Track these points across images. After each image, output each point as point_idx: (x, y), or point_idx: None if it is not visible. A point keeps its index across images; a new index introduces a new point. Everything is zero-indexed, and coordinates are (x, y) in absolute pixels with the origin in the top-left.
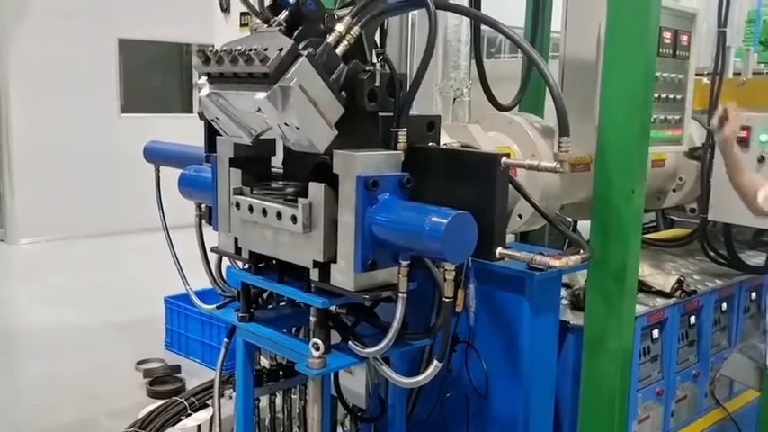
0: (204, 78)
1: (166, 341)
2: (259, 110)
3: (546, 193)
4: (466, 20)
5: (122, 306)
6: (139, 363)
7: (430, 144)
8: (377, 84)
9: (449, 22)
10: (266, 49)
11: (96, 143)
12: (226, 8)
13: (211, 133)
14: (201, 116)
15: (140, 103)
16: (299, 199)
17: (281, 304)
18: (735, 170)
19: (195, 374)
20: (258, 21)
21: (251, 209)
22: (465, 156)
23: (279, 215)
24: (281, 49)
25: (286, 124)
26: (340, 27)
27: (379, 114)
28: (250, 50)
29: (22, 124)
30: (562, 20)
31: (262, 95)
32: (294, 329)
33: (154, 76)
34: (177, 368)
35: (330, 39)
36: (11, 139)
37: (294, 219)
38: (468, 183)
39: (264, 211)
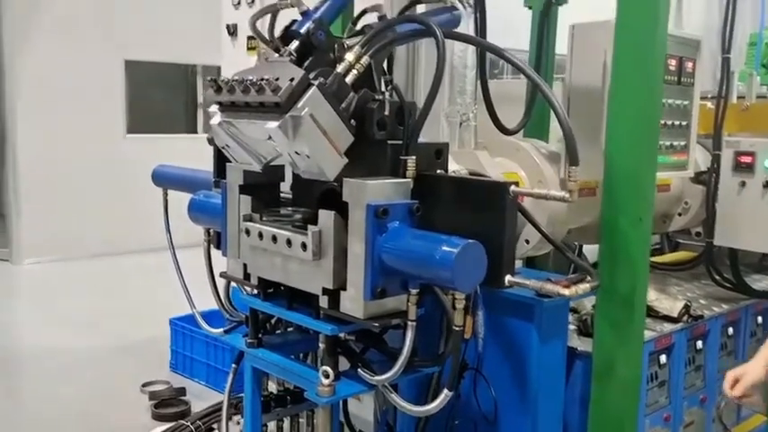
0: (215, 107)
1: (171, 363)
2: (270, 138)
3: (552, 219)
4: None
5: (127, 327)
6: (144, 385)
7: (438, 171)
8: (386, 112)
9: (455, 48)
10: (277, 79)
11: (102, 163)
12: (233, 32)
13: (220, 159)
14: (211, 142)
15: (145, 124)
16: (309, 226)
17: (289, 330)
18: None
19: (200, 397)
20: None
21: (261, 235)
22: (474, 184)
23: (289, 242)
24: (292, 79)
25: (297, 152)
26: (350, 56)
27: (388, 142)
28: (261, 80)
29: (28, 144)
30: (567, 46)
31: (273, 124)
32: (302, 355)
33: (158, 96)
34: (182, 390)
35: (340, 68)
36: (17, 159)
37: (304, 246)
38: (477, 211)
39: (274, 238)
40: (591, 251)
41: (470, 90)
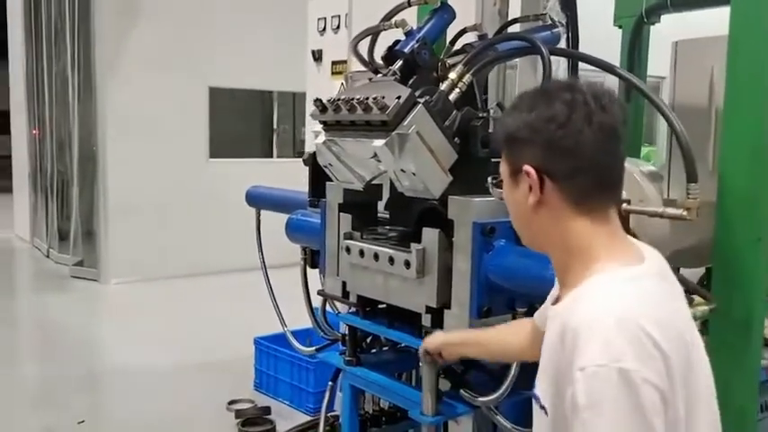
0: (320, 126)
1: (256, 382)
2: (374, 156)
3: (653, 240)
4: (563, 62)
5: (212, 346)
6: (230, 403)
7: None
8: (490, 130)
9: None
10: (383, 98)
11: (186, 187)
12: (318, 57)
13: (315, 179)
14: (306, 162)
15: (226, 149)
16: (413, 244)
17: (384, 349)
18: (478, 344)
19: (285, 416)
20: (354, 70)
21: (362, 253)
22: None
23: (391, 260)
24: (398, 97)
25: (402, 170)
26: (452, 75)
27: (492, 160)
28: (368, 99)
29: (117, 168)
30: (670, 64)
31: (380, 142)
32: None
33: (237, 122)
34: (267, 410)
35: (443, 86)
36: (107, 183)
37: (407, 264)
38: None
39: (376, 256)
40: (689, 275)
41: None
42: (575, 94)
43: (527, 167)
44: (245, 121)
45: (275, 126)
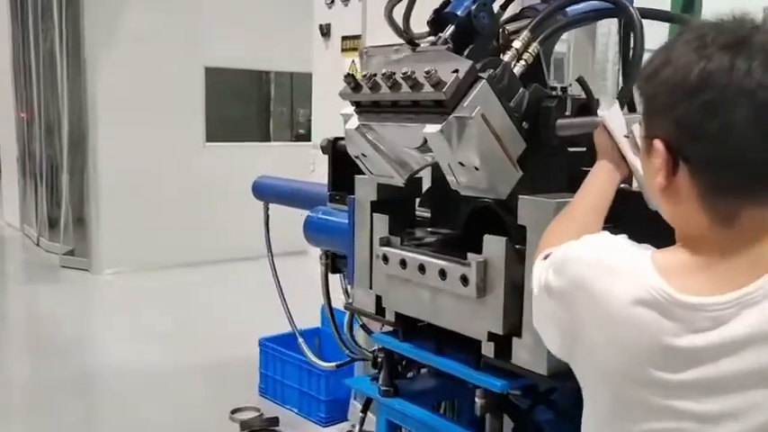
0: (351, 108)
1: (261, 387)
2: (424, 145)
3: None
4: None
5: (210, 345)
6: (234, 411)
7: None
8: (568, 113)
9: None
10: (436, 72)
11: (182, 172)
12: (326, 32)
13: (336, 169)
14: (325, 150)
15: (222, 132)
16: (471, 255)
17: (422, 371)
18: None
19: (294, 426)
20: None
21: (403, 263)
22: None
23: (443, 273)
24: (456, 71)
25: (461, 163)
26: (516, 44)
27: (569, 150)
28: (415, 73)
29: (108, 152)
30: None
31: (434, 128)
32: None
33: (233, 104)
34: (275, 421)
35: (506, 58)
36: (98, 168)
37: (465, 280)
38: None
39: (422, 268)
40: None
41: (612, 90)
42: (739, 57)
43: (658, 143)
44: (241, 104)
45: (272, 108)
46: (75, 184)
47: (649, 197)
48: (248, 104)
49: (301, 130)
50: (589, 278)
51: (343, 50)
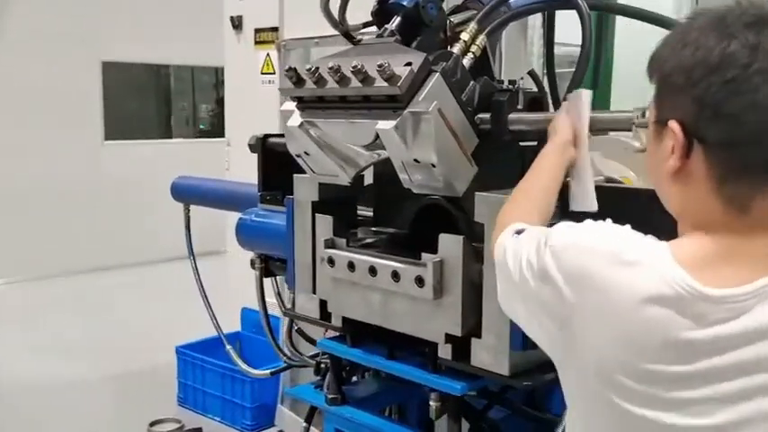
0: (292, 104)
1: (180, 397)
2: (375, 142)
3: None
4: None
5: (120, 354)
6: (152, 424)
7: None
8: (520, 106)
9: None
10: (389, 65)
11: (80, 172)
12: (238, 25)
13: (267, 168)
14: (253, 148)
15: (121, 130)
16: (426, 255)
17: (366, 375)
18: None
19: None
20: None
21: (351, 266)
22: (638, 194)
23: (396, 275)
24: (409, 64)
25: (416, 160)
26: (464, 36)
27: (520, 144)
28: (369, 67)
29: None
30: None
31: (388, 124)
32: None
33: (132, 100)
34: (199, 431)
35: (455, 51)
36: None
37: (420, 281)
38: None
39: (373, 270)
40: None
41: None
42: (762, 34)
43: (673, 123)
44: (140, 99)
45: (173, 104)
46: None
47: (656, 185)
48: (148, 100)
49: (202, 126)
50: (598, 268)
51: (256, 43)
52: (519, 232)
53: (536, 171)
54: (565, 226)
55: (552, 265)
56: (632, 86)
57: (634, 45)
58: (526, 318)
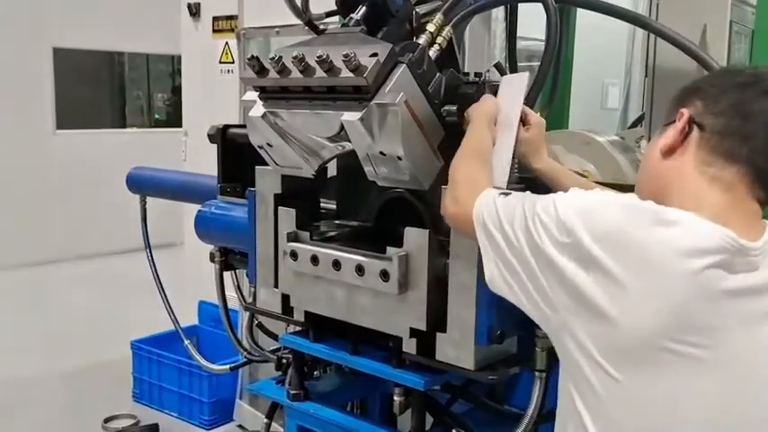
0: (254, 94)
1: (135, 392)
2: (339, 133)
3: None
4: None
5: (74, 349)
6: (107, 420)
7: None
8: None
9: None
10: (355, 55)
11: (30, 162)
12: (195, 12)
13: (227, 159)
14: (213, 138)
15: (73, 118)
16: (391, 249)
17: (327, 370)
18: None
19: (176, 431)
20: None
21: (315, 260)
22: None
23: (360, 269)
24: (374, 54)
25: (382, 153)
26: (430, 27)
27: None
28: (334, 57)
29: None
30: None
31: (353, 116)
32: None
33: (85, 88)
34: (155, 427)
35: (421, 42)
36: None
37: (385, 275)
38: None
39: (337, 264)
40: None
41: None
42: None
43: (684, 110)
44: (93, 88)
45: (127, 92)
46: None
47: (641, 185)
48: (101, 88)
49: (157, 115)
50: (636, 226)
51: (215, 32)
52: (505, 195)
53: (474, 141)
54: (579, 191)
55: (578, 224)
56: (590, 83)
57: (591, 40)
58: (535, 298)
